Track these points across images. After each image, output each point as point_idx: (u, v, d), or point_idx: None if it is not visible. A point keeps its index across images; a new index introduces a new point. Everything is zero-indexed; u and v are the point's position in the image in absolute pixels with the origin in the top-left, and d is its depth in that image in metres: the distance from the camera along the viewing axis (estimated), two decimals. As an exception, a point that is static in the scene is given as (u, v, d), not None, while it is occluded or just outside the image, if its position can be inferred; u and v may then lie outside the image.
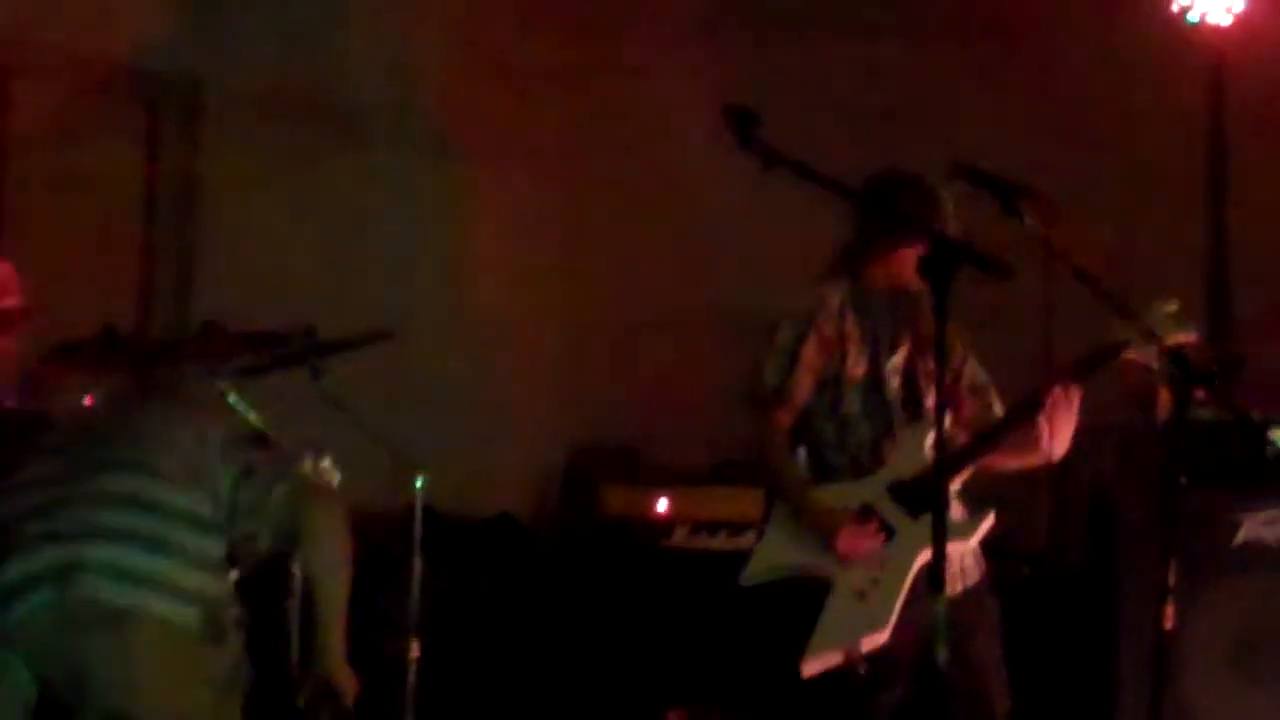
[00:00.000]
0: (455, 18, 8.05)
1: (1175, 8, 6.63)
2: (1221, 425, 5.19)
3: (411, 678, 5.68)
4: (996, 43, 7.41)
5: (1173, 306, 4.73)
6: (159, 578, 4.05)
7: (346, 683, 4.32)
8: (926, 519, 4.59)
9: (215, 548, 4.18)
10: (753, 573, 4.99)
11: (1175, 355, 4.44)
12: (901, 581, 4.80)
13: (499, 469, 7.90)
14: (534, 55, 8.00)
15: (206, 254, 7.71)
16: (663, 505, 7.08)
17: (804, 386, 5.05)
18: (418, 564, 5.74)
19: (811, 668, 4.77)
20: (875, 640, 4.74)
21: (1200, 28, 6.59)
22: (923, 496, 4.80)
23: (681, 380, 7.66)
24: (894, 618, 4.75)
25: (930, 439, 4.77)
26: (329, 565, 4.22)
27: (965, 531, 4.86)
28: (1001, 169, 4.25)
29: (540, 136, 8.16)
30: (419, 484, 5.78)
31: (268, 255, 7.23)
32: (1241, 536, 5.26)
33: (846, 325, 5.07)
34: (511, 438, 8.05)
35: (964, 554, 4.92)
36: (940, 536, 4.07)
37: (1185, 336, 4.69)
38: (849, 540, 4.89)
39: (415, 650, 5.69)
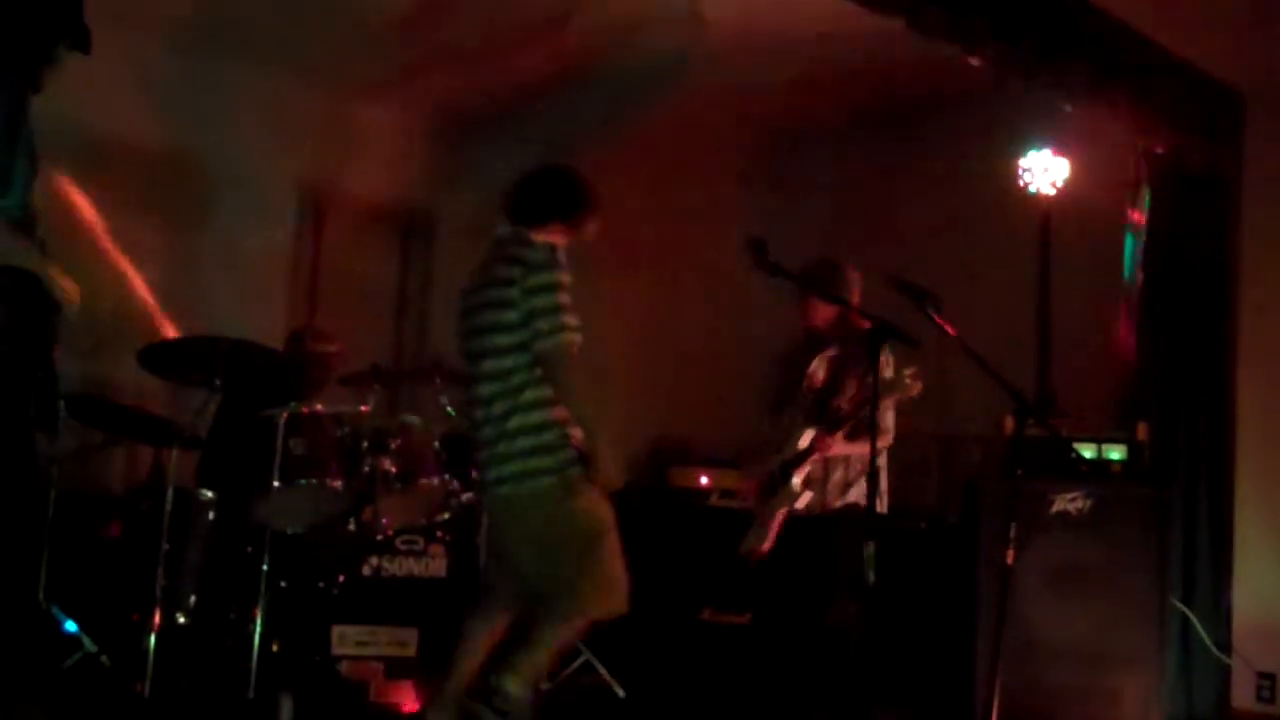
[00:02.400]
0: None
1: (1020, 182, 6.53)
2: (1043, 440, 5.15)
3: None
4: (907, 198, 7.47)
5: (912, 370, 4.85)
6: None
7: (609, 469, 4.05)
8: (787, 484, 5.01)
9: None
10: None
11: (1017, 396, 4.43)
12: (773, 519, 5.01)
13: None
14: (631, 203, 7.99)
15: (436, 320, 7.61)
16: (704, 480, 7.13)
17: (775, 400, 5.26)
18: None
19: (740, 553, 5.07)
20: (759, 546, 5.01)
21: (1036, 195, 6.50)
22: (786, 474, 5.04)
23: (714, 405, 7.53)
24: (770, 536, 4.99)
25: (804, 437, 5.03)
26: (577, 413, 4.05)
27: (795, 498, 5.03)
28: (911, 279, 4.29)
29: (629, 255, 8.21)
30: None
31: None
32: (1054, 508, 5.17)
33: (791, 369, 5.22)
34: (617, 438, 8.11)
35: (810, 501, 5.05)
36: (873, 500, 4.28)
37: (917, 388, 4.86)
38: (748, 492, 5.23)
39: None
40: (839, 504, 5.07)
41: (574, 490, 4.03)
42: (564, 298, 4.00)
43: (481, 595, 4.35)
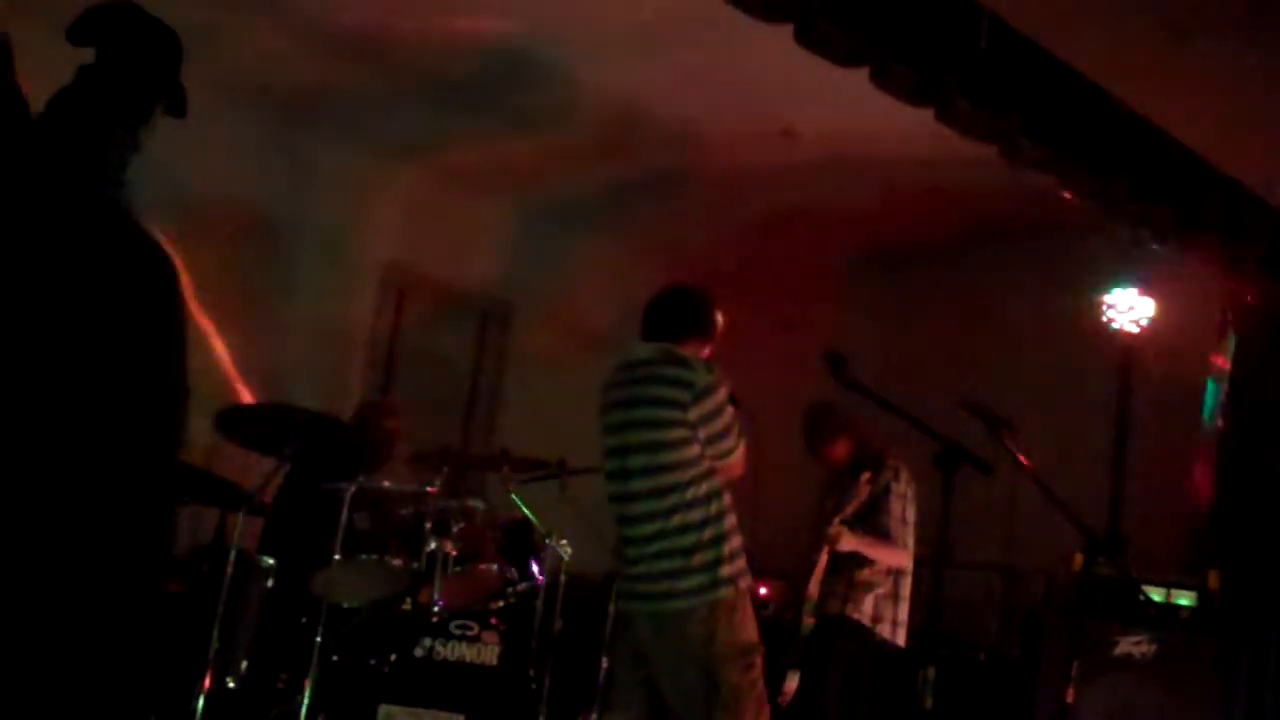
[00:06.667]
0: (657, 275, 8.23)
1: (1104, 318, 6.64)
2: (1112, 579, 5.19)
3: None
4: (989, 324, 7.57)
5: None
6: None
7: None
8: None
9: None
10: None
11: (1088, 532, 4.35)
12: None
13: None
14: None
15: (507, 407, 7.95)
16: (764, 590, 7.19)
17: None
18: (611, 610, 5.51)
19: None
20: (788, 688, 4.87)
21: (1119, 332, 6.59)
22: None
23: (785, 518, 7.61)
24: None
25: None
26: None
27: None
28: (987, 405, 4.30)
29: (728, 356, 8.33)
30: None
31: (542, 410, 7.37)
32: (1118, 650, 5.18)
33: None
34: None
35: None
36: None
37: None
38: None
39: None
40: (834, 611, 5.06)
41: (744, 603, 4.11)
42: (731, 412, 4.15)
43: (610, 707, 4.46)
